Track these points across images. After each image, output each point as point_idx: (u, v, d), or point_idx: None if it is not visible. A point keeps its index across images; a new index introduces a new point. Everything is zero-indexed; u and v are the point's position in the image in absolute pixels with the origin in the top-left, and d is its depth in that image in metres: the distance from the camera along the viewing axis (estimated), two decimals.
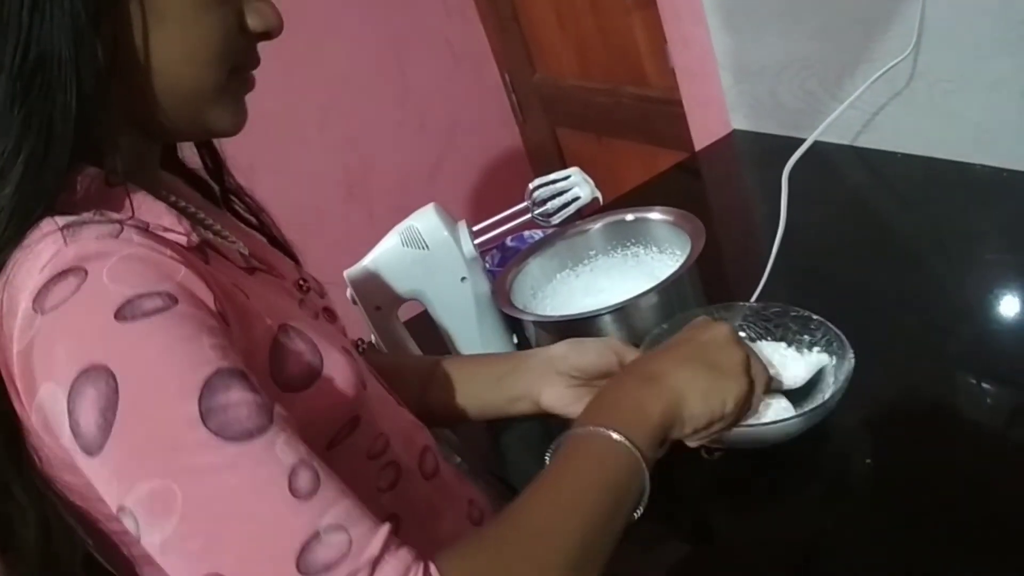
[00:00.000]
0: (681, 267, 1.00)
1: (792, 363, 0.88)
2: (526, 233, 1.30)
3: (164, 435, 0.53)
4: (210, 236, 0.70)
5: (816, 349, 0.89)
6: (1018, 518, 0.74)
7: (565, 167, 1.13)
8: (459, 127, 2.29)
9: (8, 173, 0.56)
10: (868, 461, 0.85)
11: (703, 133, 1.67)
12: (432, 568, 0.54)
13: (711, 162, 1.62)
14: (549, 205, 1.11)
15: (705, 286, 1.04)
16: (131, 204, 0.61)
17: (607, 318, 0.98)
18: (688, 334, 0.78)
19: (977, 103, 1.19)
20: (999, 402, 0.86)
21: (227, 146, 0.81)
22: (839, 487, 0.85)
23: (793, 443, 0.82)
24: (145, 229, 0.60)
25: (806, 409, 0.83)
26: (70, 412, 0.53)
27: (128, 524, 0.54)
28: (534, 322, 1.04)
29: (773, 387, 0.84)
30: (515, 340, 1.14)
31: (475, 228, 1.11)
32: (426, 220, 1.07)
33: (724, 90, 1.58)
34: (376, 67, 2.14)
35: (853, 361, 0.82)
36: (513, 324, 1.12)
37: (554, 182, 1.11)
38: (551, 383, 0.88)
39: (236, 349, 0.58)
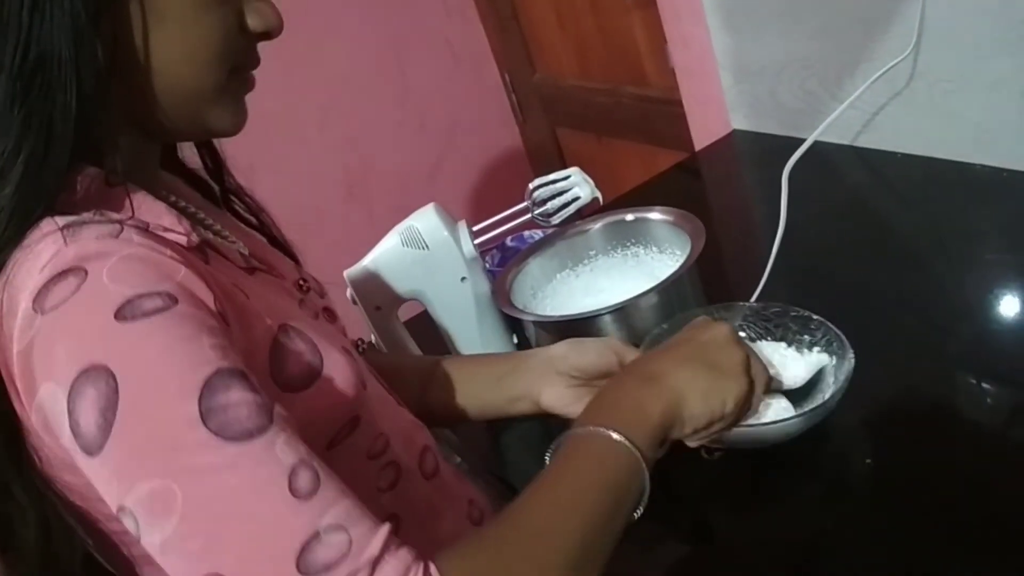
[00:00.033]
0: (681, 267, 1.00)
1: (792, 363, 0.88)
2: (526, 233, 1.30)
3: (164, 435, 0.53)
4: (210, 236, 0.70)
5: (816, 349, 0.89)
6: (1018, 518, 0.74)
7: (565, 167, 1.13)
8: (459, 127, 2.29)
9: (8, 173, 0.56)
10: (868, 461, 0.85)
11: (703, 133, 1.67)
12: (432, 568, 0.54)
13: (711, 162, 1.62)
14: (549, 205, 1.11)
15: (705, 286, 1.04)
16: (131, 204, 0.61)
17: (607, 318, 0.98)
18: (688, 334, 0.78)
19: (977, 103, 1.19)
20: (999, 402, 0.86)
21: (227, 146, 0.81)
22: (839, 487, 0.85)
23: (793, 443, 0.82)
24: (145, 229, 0.60)
25: (806, 409, 0.83)
26: (70, 412, 0.53)
27: (128, 524, 0.54)
28: (534, 322, 1.04)
29: (773, 387, 0.84)
30: (515, 340, 1.14)
31: (475, 228, 1.11)
32: (426, 220, 1.07)
33: (724, 90, 1.58)
34: (376, 67, 2.14)
35: (853, 361, 0.82)
36: (513, 324, 1.12)
37: (554, 182, 1.11)
38: (551, 383, 0.88)
39: (236, 349, 0.58)
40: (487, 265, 1.20)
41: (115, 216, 0.59)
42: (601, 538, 0.61)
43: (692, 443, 0.75)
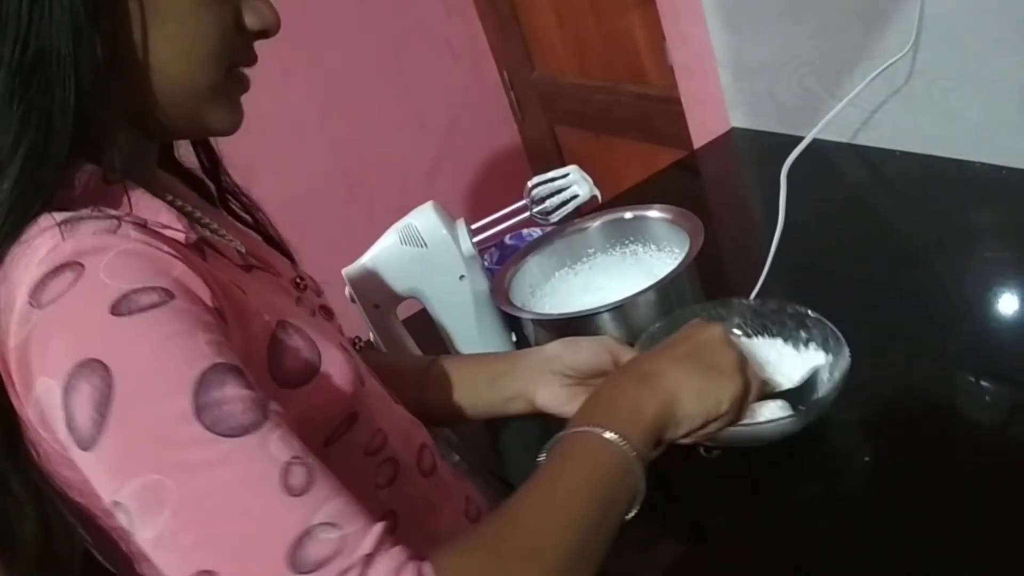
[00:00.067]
0: (680, 265, 1.00)
1: (789, 360, 0.88)
2: (525, 231, 1.30)
3: (158, 430, 0.53)
4: (207, 234, 0.70)
5: (813, 346, 0.89)
6: (1018, 518, 0.74)
7: (564, 165, 1.12)
8: (458, 125, 2.29)
9: (7, 168, 0.56)
10: (867, 459, 0.85)
11: (702, 131, 1.67)
12: (425, 567, 0.53)
13: (710, 160, 1.62)
14: (548, 203, 1.11)
15: (704, 284, 1.04)
16: (129, 201, 0.61)
17: (606, 316, 0.98)
18: (683, 334, 0.78)
19: (976, 101, 1.19)
20: (998, 400, 0.86)
21: (226, 145, 0.81)
22: (838, 486, 0.85)
23: (791, 442, 0.82)
24: (143, 225, 0.60)
25: (802, 407, 0.82)
26: (65, 407, 0.53)
27: (122, 519, 0.54)
28: (533, 320, 1.04)
29: (768, 390, 0.84)
30: (514, 338, 1.14)
31: (474, 226, 1.10)
32: (425, 218, 1.06)
33: (723, 88, 1.58)
34: (375, 66, 2.14)
35: (849, 359, 0.82)
36: (512, 322, 1.12)
37: (553, 180, 1.11)
38: (546, 383, 0.88)
39: (233, 345, 0.58)
40: (486, 263, 1.20)
41: (113, 212, 0.59)
42: (596, 536, 0.61)
43: (686, 441, 0.75)
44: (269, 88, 0.77)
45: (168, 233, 0.62)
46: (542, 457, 0.66)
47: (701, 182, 1.61)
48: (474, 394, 0.92)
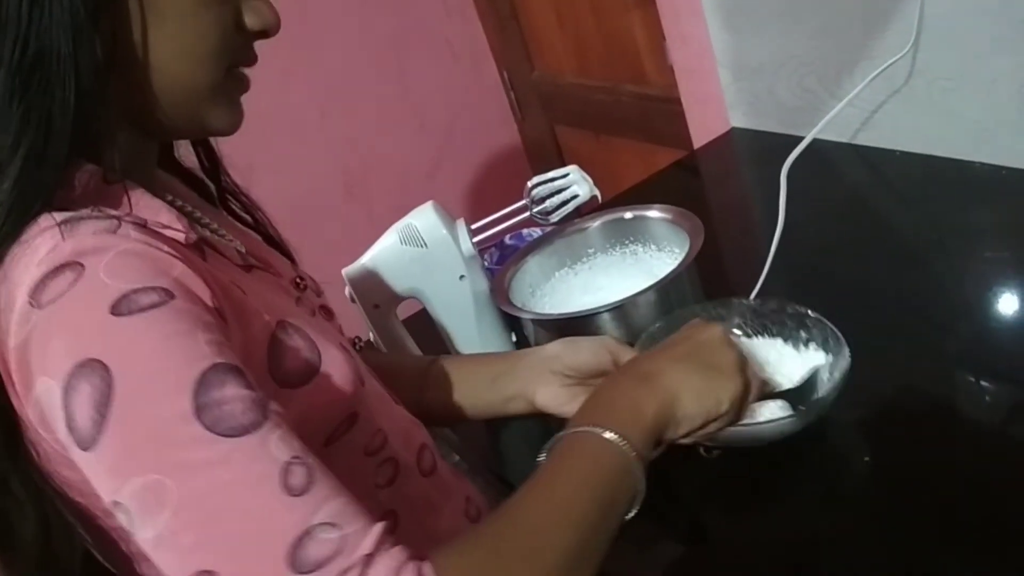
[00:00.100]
0: (680, 265, 1.00)
1: (789, 360, 0.89)
2: (525, 231, 1.30)
3: (158, 430, 0.53)
4: (207, 234, 0.70)
5: (813, 346, 0.89)
6: (1018, 518, 0.74)
7: (564, 165, 1.12)
8: (458, 125, 2.29)
9: (7, 167, 0.56)
10: (867, 459, 0.85)
11: (702, 131, 1.67)
12: (425, 567, 0.53)
13: (710, 160, 1.62)
14: (548, 203, 1.11)
15: (704, 284, 1.04)
16: (129, 201, 0.61)
17: (606, 316, 0.98)
18: (683, 334, 0.78)
19: (976, 101, 1.19)
20: (998, 400, 0.86)
21: (226, 145, 0.81)
22: (837, 486, 0.84)
23: (791, 442, 0.82)
24: (143, 225, 0.60)
25: (802, 407, 0.82)
26: (65, 407, 0.53)
27: (122, 519, 0.54)
28: (533, 320, 1.04)
29: (767, 390, 0.84)
30: (514, 338, 1.14)
31: (474, 226, 1.10)
32: (425, 218, 1.06)
33: (723, 88, 1.58)
34: (375, 66, 2.14)
35: (849, 359, 0.82)
36: (512, 322, 1.12)
37: (553, 180, 1.11)
38: (545, 383, 0.88)
39: (233, 345, 0.58)
40: (486, 263, 1.20)
41: (113, 212, 0.59)
42: (596, 536, 0.61)
43: (686, 441, 0.75)
44: (269, 88, 0.77)
45: (168, 233, 0.62)
46: (542, 457, 0.66)
47: (701, 182, 1.61)
48: (474, 394, 0.92)
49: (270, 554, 0.52)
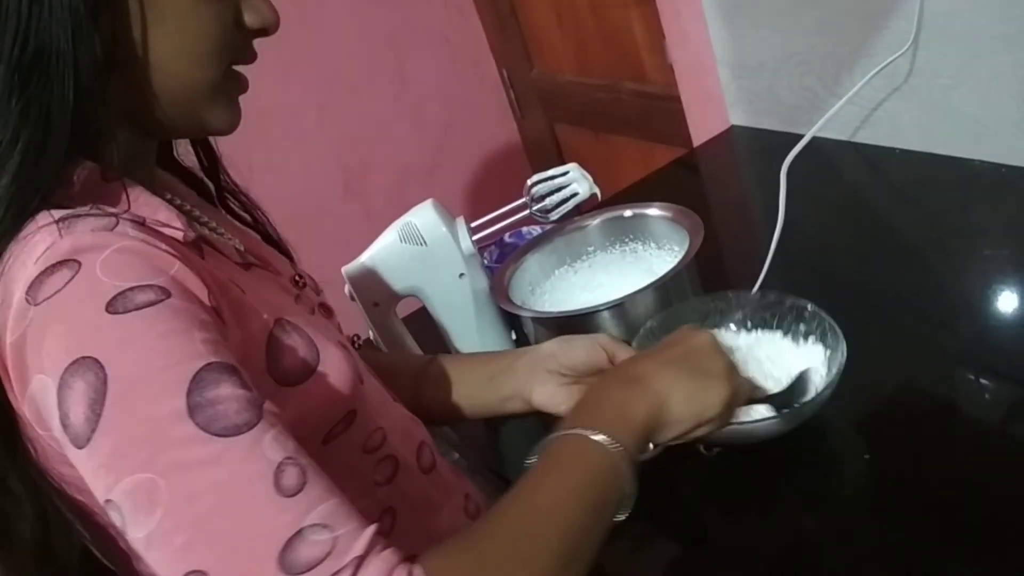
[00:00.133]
0: (679, 263, 1.00)
1: (788, 353, 0.89)
2: (524, 229, 1.30)
3: (151, 429, 0.53)
4: (206, 232, 0.70)
5: (812, 339, 0.89)
6: (1018, 517, 0.74)
7: (563, 163, 1.12)
8: (457, 123, 2.29)
9: (6, 163, 0.57)
10: (866, 457, 0.85)
11: (701, 129, 1.67)
12: (416, 569, 0.53)
13: (709, 158, 1.62)
14: (547, 201, 1.11)
15: (704, 282, 1.04)
16: (127, 198, 0.61)
17: (605, 314, 0.98)
18: (675, 339, 0.79)
19: (976, 99, 1.19)
20: (998, 398, 0.86)
21: (225, 144, 0.81)
22: (836, 485, 0.84)
23: (790, 440, 0.82)
24: (141, 223, 0.60)
25: (797, 404, 0.83)
26: (60, 404, 0.53)
27: (114, 517, 0.54)
28: (532, 318, 1.04)
29: (756, 395, 0.84)
30: (513, 336, 1.14)
31: (473, 224, 1.10)
32: (424, 216, 1.06)
33: (723, 86, 1.58)
34: (374, 64, 2.14)
35: (846, 353, 0.82)
36: (511, 320, 1.12)
37: (552, 178, 1.11)
38: (542, 382, 0.88)
39: (230, 344, 0.58)
40: (485, 261, 1.20)
41: (111, 210, 0.59)
42: (586, 537, 0.61)
43: (676, 442, 0.76)
44: (268, 87, 0.77)
45: (166, 231, 0.62)
46: (532, 459, 0.66)
47: (701, 180, 1.61)
48: (471, 394, 0.92)
49: (261, 555, 0.51)
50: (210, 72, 0.65)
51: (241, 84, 0.70)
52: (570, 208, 1.12)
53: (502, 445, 1.06)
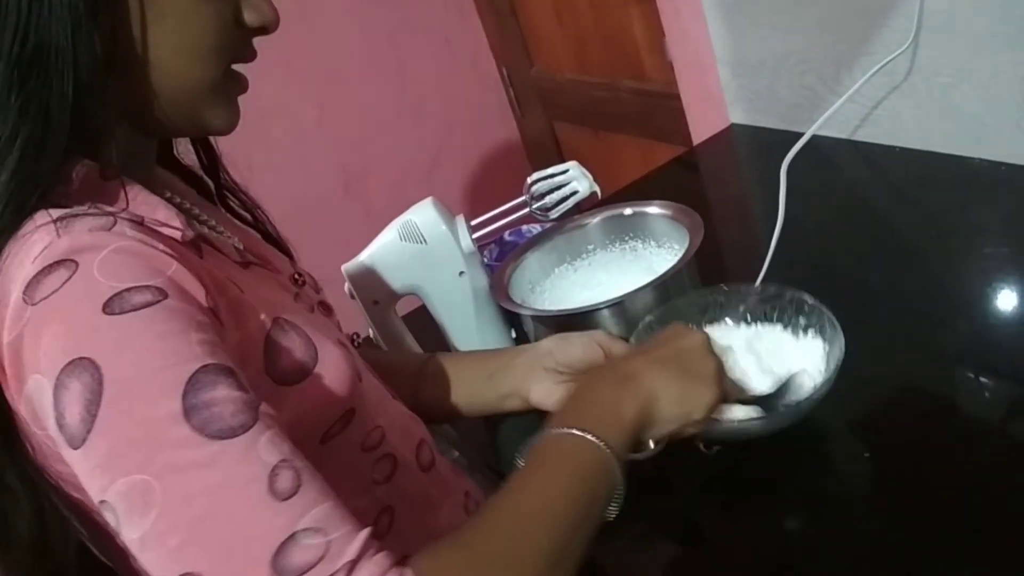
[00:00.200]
0: (679, 261, 1.00)
1: (788, 347, 0.90)
2: (524, 227, 1.30)
3: (146, 430, 0.53)
4: (205, 231, 0.70)
5: (811, 332, 0.89)
6: (1018, 517, 0.74)
7: (563, 161, 1.12)
8: (457, 122, 2.29)
9: (5, 159, 0.57)
10: (866, 456, 0.85)
11: (701, 127, 1.67)
12: (408, 573, 0.53)
13: (709, 156, 1.61)
14: (547, 199, 1.11)
15: (704, 280, 1.04)
16: (126, 197, 0.61)
17: (605, 312, 0.98)
18: (665, 338, 0.79)
19: (976, 97, 1.19)
20: (997, 396, 0.86)
21: (225, 143, 0.81)
22: (836, 484, 0.84)
23: (789, 439, 0.82)
24: (139, 223, 0.60)
25: (793, 401, 0.83)
26: (55, 404, 0.53)
27: (109, 518, 0.54)
28: (532, 316, 1.04)
29: (741, 397, 0.84)
30: (513, 335, 1.14)
31: (473, 222, 1.10)
32: (424, 214, 1.06)
33: (722, 84, 1.58)
34: (374, 62, 2.14)
35: (844, 347, 0.82)
36: (511, 318, 1.12)
37: (552, 176, 1.11)
38: (539, 379, 0.88)
39: (228, 344, 0.58)
40: (485, 259, 1.20)
41: (109, 209, 0.59)
42: (576, 535, 0.61)
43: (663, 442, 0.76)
44: (268, 85, 0.77)
45: (165, 230, 0.62)
46: (521, 458, 0.67)
47: (701, 178, 1.61)
48: (469, 392, 0.92)
49: (254, 558, 0.51)
50: (210, 71, 0.65)
51: (241, 84, 0.70)
52: (570, 206, 1.12)
53: (501, 443, 1.06)
